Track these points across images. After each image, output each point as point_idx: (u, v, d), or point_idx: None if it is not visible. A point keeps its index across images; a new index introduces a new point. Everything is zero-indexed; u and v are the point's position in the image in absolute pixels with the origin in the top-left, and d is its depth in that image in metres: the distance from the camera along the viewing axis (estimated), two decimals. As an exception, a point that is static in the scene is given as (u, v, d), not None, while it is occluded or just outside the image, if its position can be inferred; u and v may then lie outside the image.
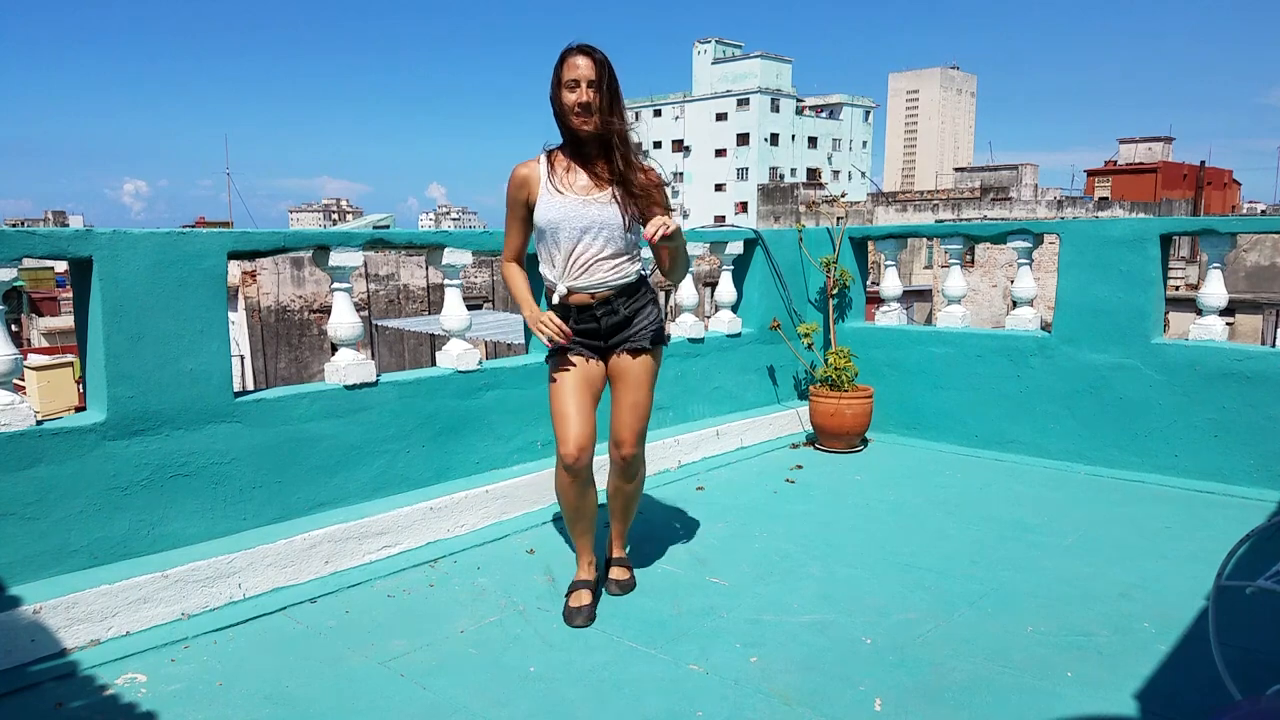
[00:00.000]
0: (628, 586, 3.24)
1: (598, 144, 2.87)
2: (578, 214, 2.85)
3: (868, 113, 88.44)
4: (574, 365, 2.97)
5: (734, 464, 4.90)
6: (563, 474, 2.97)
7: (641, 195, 2.90)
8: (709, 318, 5.48)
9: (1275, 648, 2.72)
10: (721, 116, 79.82)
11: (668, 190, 3.05)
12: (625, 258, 2.94)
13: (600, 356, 3.03)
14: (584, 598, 3.02)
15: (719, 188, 79.37)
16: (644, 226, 2.85)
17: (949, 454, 5.05)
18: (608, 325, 2.97)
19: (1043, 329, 5.01)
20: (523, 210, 2.98)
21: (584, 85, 2.77)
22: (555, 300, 2.99)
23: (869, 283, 5.96)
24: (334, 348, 3.92)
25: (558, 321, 2.92)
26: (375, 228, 4.15)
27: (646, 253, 3.16)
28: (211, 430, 3.16)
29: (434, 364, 4.04)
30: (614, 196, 2.88)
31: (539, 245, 3.00)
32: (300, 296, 19.64)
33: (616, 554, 3.32)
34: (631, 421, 3.03)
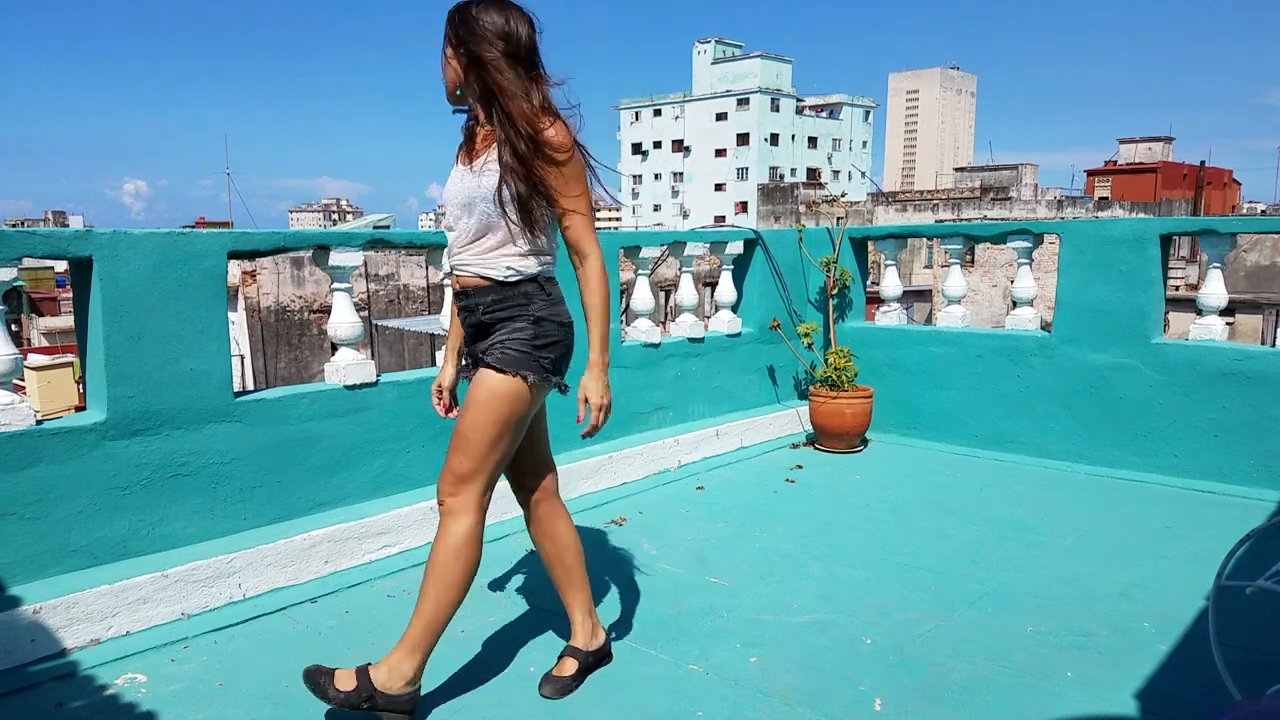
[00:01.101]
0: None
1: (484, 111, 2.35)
2: (457, 186, 2.38)
3: (868, 113, 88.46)
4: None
5: (734, 464, 4.90)
6: None
7: (507, 155, 2.26)
8: (709, 318, 5.48)
9: (1275, 648, 2.72)
10: (721, 116, 79.85)
11: (587, 163, 2.35)
12: (498, 245, 2.35)
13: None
14: (566, 666, 2.58)
15: (719, 188, 79.41)
16: (556, 214, 2.34)
17: (949, 454, 5.06)
18: (468, 323, 2.46)
19: (1043, 329, 5.01)
20: None
21: None
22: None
23: (869, 283, 5.96)
24: (334, 348, 3.91)
25: (435, 399, 2.66)
26: (375, 228, 4.16)
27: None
28: (211, 430, 3.16)
29: (434, 364, 4.04)
30: (489, 162, 2.32)
31: None
32: (300, 296, 19.64)
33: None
34: (449, 453, 2.35)
